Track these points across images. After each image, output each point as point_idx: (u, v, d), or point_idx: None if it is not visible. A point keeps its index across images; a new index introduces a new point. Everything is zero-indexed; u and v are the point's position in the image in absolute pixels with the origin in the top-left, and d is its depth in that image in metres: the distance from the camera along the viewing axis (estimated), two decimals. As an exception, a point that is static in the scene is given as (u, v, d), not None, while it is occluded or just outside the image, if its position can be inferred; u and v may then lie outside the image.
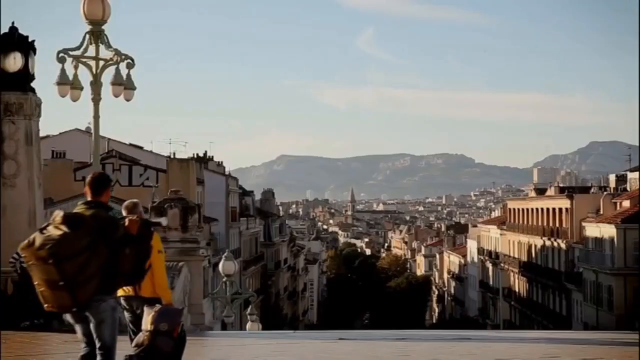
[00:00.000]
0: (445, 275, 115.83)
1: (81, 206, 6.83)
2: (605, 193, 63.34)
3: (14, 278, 18.32)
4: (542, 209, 69.92)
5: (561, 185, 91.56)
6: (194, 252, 18.27)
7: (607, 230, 54.24)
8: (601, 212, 58.78)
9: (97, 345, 6.76)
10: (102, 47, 16.09)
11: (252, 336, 18.45)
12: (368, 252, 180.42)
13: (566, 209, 63.63)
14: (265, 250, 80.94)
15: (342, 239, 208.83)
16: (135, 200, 9.12)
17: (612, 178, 70.40)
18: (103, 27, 16.09)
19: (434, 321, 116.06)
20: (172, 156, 58.63)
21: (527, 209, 74.92)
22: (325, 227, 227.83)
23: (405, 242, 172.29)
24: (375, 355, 12.34)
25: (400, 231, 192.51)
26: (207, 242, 43.68)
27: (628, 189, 61.39)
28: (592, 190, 71.53)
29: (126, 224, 6.87)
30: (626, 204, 56.56)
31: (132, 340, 8.21)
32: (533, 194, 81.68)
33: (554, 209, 66.84)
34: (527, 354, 12.70)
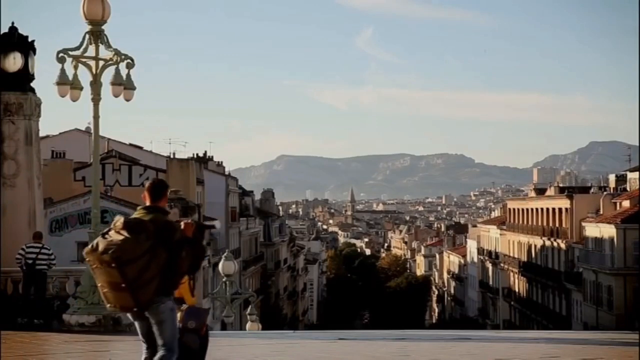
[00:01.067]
0: (445, 275, 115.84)
1: (140, 211, 7.12)
2: (605, 193, 63.33)
3: (15, 278, 18.37)
4: (541, 209, 69.92)
5: (561, 185, 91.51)
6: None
7: (607, 230, 54.23)
8: (601, 212, 58.78)
9: (159, 343, 7.08)
10: (101, 47, 16.08)
11: (252, 336, 18.43)
12: (368, 252, 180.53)
13: (566, 209, 63.63)
14: (265, 250, 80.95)
15: (342, 239, 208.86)
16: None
17: (611, 178, 70.40)
18: (103, 27, 16.07)
19: (434, 321, 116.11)
20: (171, 156, 58.63)
21: (527, 209, 74.92)
22: (325, 227, 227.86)
23: (405, 242, 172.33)
24: (375, 355, 12.34)
25: (400, 231, 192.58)
26: (207, 242, 43.70)
27: (628, 189, 61.38)
28: (592, 190, 71.52)
29: (182, 227, 7.13)
30: (626, 204, 56.56)
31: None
32: (533, 194, 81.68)
33: (553, 209, 66.84)
34: (527, 354, 12.70)
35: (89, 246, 6.89)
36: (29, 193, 21.46)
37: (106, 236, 6.86)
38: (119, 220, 6.89)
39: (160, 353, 7.08)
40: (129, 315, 7.21)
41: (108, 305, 6.95)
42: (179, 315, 7.81)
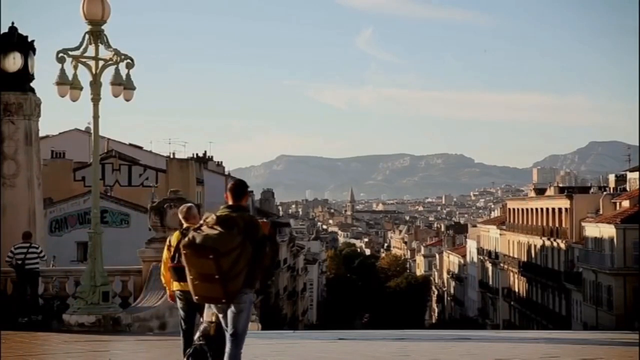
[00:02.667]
0: (445, 275, 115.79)
1: (224, 210, 7.51)
2: (604, 193, 63.32)
3: (14, 278, 18.37)
4: (541, 209, 69.91)
5: (561, 185, 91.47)
6: (194, 252, 18.22)
7: (607, 230, 54.22)
8: (601, 212, 58.77)
9: (230, 332, 7.50)
10: (101, 47, 16.07)
11: (252, 336, 18.42)
12: (368, 252, 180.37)
13: (566, 209, 63.62)
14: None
15: (341, 239, 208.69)
16: (189, 204, 10.01)
17: (611, 178, 70.38)
18: (103, 27, 16.07)
19: (434, 321, 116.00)
20: (171, 156, 58.62)
21: (527, 209, 74.90)
22: (324, 227, 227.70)
23: (405, 242, 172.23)
24: (375, 355, 12.35)
25: (400, 231, 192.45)
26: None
27: (627, 189, 61.37)
28: (592, 190, 71.51)
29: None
30: (626, 204, 56.55)
31: (183, 331, 9.52)
32: (533, 194, 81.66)
33: (553, 209, 66.82)
34: (527, 354, 12.71)
35: (186, 239, 7.32)
36: (29, 193, 21.46)
37: (199, 231, 7.30)
38: (210, 216, 7.39)
39: (228, 346, 7.51)
40: (212, 307, 7.60)
41: (196, 297, 7.40)
42: (214, 309, 8.07)
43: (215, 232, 7.23)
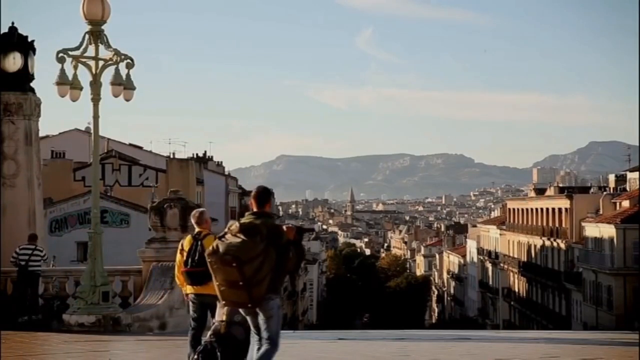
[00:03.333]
0: (445, 275, 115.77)
1: (249, 217, 7.75)
2: (604, 193, 63.30)
3: (14, 278, 18.37)
4: (541, 209, 69.89)
5: (561, 185, 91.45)
6: (194, 252, 18.21)
7: (607, 231, 54.21)
8: (601, 212, 58.76)
9: (265, 336, 7.79)
10: (101, 47, 16.06)
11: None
12: (368, 252, 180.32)
13: (566, 209, 63.60)
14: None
15: (341, 239, 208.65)
16: (201, 209, 10.40)
17: (611, 178, 70.37)
18: (103, 27, 16.06)
19: (434, 321, 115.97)
20: (171, 156, 58.61)
21: (527, 209, 74.88)
22: (324, 227, 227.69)
23: (405, 242, 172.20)
24: (375, 355, 12.35)
25: (400, 231, 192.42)
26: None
27: (627, 189, 61.36)
28: (592, 190, 71.50)
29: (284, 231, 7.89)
30: (626, 204, 56.54)
31: (192, 330, 9.90)
32: (532, 194, 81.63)
33: (553, 209, 66.81)
34: (527, 354, 12.71)
35: (210, 248, 7.63)
36: (29, 193, 21.45)
37: (223, 239, 7.59)
38: (234, 224, 7.65)
39: (264, 347, 7.79)
40: (241, 311, 7.86)
41: (223, 302, 7.72)
42: (225, 309, 8.39)
43: (238, 240, 7.49)
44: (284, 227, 7.81)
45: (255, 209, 7.87)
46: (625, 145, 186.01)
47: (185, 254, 9.95)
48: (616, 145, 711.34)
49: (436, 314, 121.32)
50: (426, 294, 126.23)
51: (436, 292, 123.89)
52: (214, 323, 8.64)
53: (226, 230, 7.66)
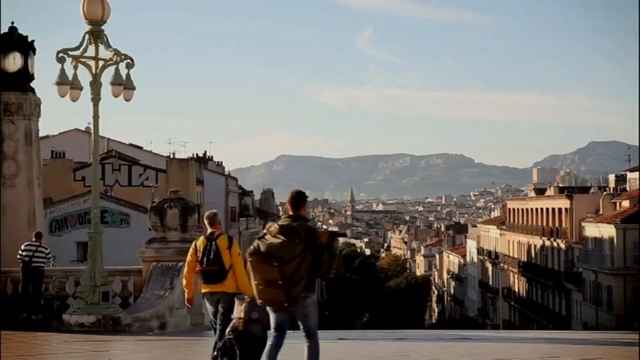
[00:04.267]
0: (445, 275, 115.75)
1: (286, 219, 8.06)
2: (604, 193, 63.30)
3: (14, 278, 18.38)
4: (541, 209, 69.89)
5: (561, 185, 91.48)
6: (194, 252, 18.21)
7: (607, 230, 54.21)
8: (601, 212, 58.76)
9: (304, 332, 8.18)
10: (101, 47, 16.05)
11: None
12: (368, 252, 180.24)
13: (566, 209, 63.61)
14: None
15: (341, 239, 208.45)
16: (214, 210, 10.64)
17: (611, 178, 70.38)
18: (103, 27, 16.06)
19: (434, 321, 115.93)
20: (171, 156, 58.59)
21: (527, 209, 74.88)
22: (324, 227, 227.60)
23: (405, 242, 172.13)
24: (375, 355, 12.35)
25: (400, 231, 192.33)
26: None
27: (627, 189, 61.36)
28: (592, 190, 71.51)
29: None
30: (626, 204, 56.54)
31: (214, 330, 10.18)
32: (532, 194, 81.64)
33: (553, 209, 66.81)
34: (527, 354, 12.70)
35: (251, 247, 7.89)
36: (29, 193, 21.44)
37: (263, 239, 7.90)
38: (273, 225, 8.00)
39: (307, 342, 8.20)
40: (270, 308, 8.04)
41: (260, 301, 7.94)
42: (242, 306, 8.85)
43: (279, 240, 7.78)
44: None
45: (291, 212, 8.15)
46: (625, 145, 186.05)
47: (200, 254, 10.23)
48: (616, 145, 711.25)
49: (436, 314, 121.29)
50: (426, 294, 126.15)
51: (436, 292, 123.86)
52: (232, 319, 8.99)
53: (265, 231, 7.99)
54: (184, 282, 10.61)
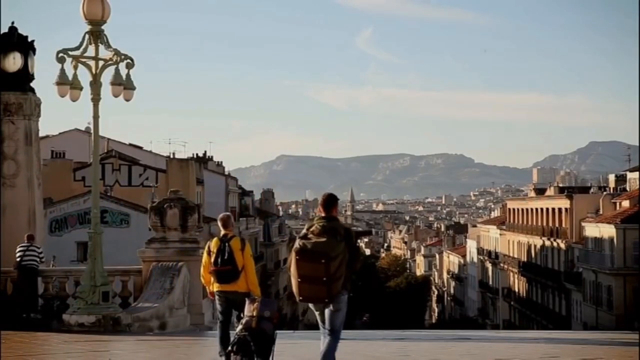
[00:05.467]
0: (445, 275, 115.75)
1: (321, 221, 8.43)
2: (604, 193, 63.30)
3: (14, 278, 18.38)
4: (541, 209, 69.88)
5: (561, 185, 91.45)
6: (194, 252, 18.24)
7: (607, 230, 54.21)
8: (601, 212, 58.75)
9: (328, 328, 8.36)
10: (101, 47, 16.04)
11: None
12: (368, 252, 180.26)
13: (566, 209, 63.60)
14: (265, 250, 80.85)
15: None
16: (227, 213, 11.17)
17: (611, 178, 70.37)
18: (103, 27, 16.05)
19: (434, 321, 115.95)
20: (171, 156, 58.60)
21: (527, 209, 74.87)
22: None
23: (405, 242, 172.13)
24: (375, 355, 12.35)
25: (400, 231, 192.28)
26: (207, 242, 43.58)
27: (627, 189, 61.36)
28: (592, 190, 71.50)
29: None
30: (626, 204, 56.54)
31: (220, 323, 10.69)
32: (532, 194, 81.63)
33: (553, 209, 66.80)
34: (527, 354, 12.70)
35: (297, 246, 8.23)
36: (29, 193, 21.43)
37: (306, 239, 8.24)
38: (314, 225, 8.37)
39: (328, 339, 8.37)
40: (311, 305, 8.43)
41: (299, 298, 8.23)
42: (255, 305, 9.18)
43: (324, 239, 8.15)
44: None
45: (323, 214, 8.51)
46: (625, 145, 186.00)
47: (213, 255, 10.64)
48: (616, 145, 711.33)
49: (436, 314, 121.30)
50: (426, 294, 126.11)
51: (436, 292, 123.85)
52: (241, 317, 9.37)
53: (305, 231, 8.36)
54: (203, 280, 11.10)
